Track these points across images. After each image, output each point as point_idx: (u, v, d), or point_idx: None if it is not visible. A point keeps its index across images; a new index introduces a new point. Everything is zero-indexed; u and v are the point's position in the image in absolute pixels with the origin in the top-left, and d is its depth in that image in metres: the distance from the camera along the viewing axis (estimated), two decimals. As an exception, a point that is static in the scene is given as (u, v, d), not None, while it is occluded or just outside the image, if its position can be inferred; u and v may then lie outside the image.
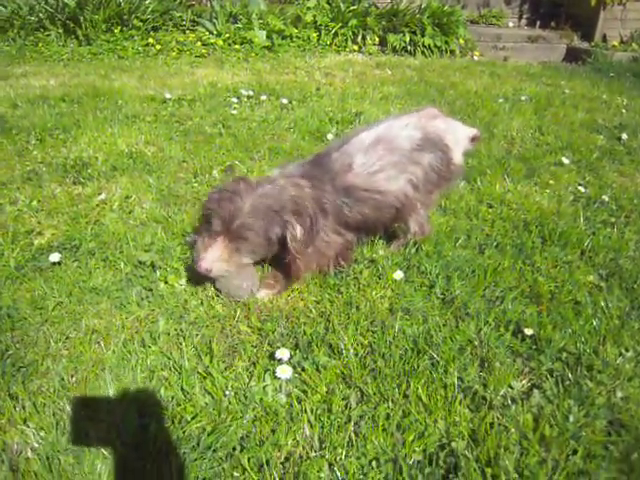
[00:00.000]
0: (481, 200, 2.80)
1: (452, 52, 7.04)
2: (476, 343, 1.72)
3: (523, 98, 5.07)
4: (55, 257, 2.02)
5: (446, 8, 7.11)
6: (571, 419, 1.42)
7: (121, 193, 2.64)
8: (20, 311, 1.75)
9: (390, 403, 1.47)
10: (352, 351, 1.66)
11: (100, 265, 2.04)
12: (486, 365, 1.63)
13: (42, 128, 3.46)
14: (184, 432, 1.36)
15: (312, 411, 1.44)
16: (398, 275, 2.07)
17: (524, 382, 1.58)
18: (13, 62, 5.43)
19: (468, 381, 1.55)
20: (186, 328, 1.73)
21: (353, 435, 1.39)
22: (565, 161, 3.42)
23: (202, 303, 1.87)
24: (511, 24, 9.16)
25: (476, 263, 2.17)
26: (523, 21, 9.41)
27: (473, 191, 2.91)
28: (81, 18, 6.06)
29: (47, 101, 4.08)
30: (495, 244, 2.35)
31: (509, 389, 1.54)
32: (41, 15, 6.07)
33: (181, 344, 1.66)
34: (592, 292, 2.04)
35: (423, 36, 6.84)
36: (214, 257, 1.74)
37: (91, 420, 1.37)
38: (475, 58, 7.16)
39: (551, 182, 3.10)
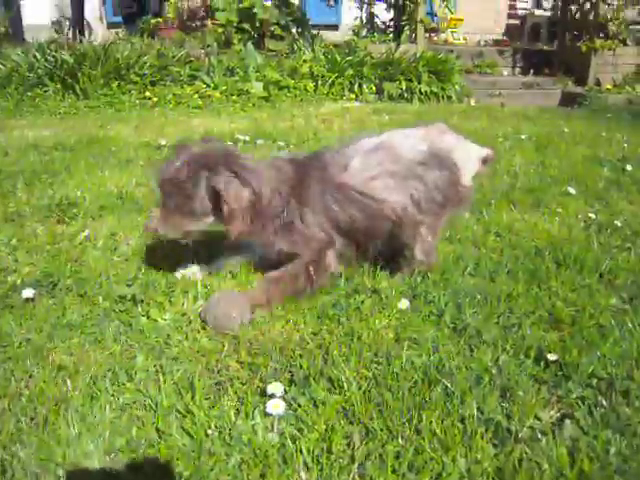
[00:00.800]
0: (488, 230, 2.64)
1: (449, 98, 7.06)
2: (494, 371, 1.52)
3: (523, 137, 5.01)
4: (28, 293, 1.85)
5: (441, 56, 7.19)
6: (612, 451, 1.21)
7: (107, 231, 2.49)
8: (-19, 350, 1.57)
9: (400, 440, 1.27)
10: (354, 384, 1.46)
11: (76, 301, 1.87)
12: (508, 395, 1.43)
13: (31, 173, 3.36)
14: (156, 478, 1.15)
15: (309, 451, 1.24)
16: (403, 304, 1.89)
17: (552, 412, 1.37)
18: (9, 116, 5.42)
19: (489, 412, 1.35)
20: (167, 364, 1.54)
21: (357, 478, 1.18)
22: (572, 191, 3.29)
23: (187, 337, 1.69)
24: (505, 73, 9.29)
25: (487, 290, 1.99)
26: (517, 70, 9.54)
27: (479, 221, 2.76)
28: (79, 74, 6.10)
29: (39, 149, 4.01)
30: (506, 271, 2.18)
31: (536, 421, 1.34)
32: (40, 71, 6.12)
33: (159, 381, 1.46)
34: (616, 315, 1.85)
35: (419, 83, 6.88)
36: (157, 217, 1.82)
37: (45, 468, 1.17)
38: (472, 103, 7.17)
39: (559, 210, 2.96)
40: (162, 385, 1.43)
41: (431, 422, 1.31)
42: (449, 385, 1.44)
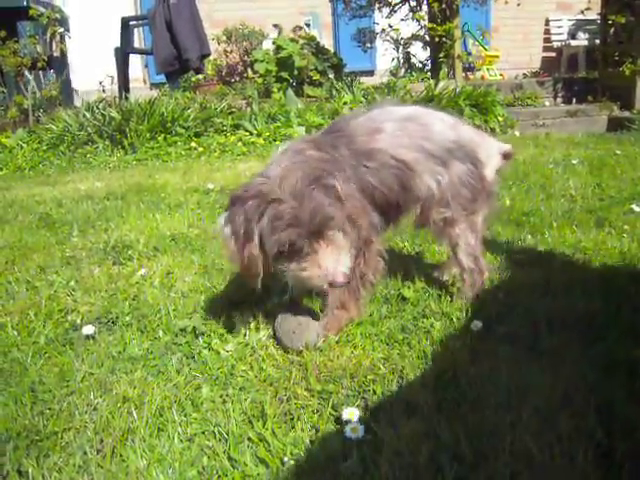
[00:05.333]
0: (553, 250, 2.52)
1: (492, 130, 6.97)
2: (585, 389, 1.39)
3: (574, 162, 4.86)
4: (89, 330, 1.83)
5: (481, 89, 7.16)
6: None
7: (162, 269, 2.48)
8: (46, 384, 1.53)
9: (493, 462, 1.15)
10: (434, 408, 1.35)
11: (137, 335, 1.83)
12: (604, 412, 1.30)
13: (85, 220, 3.42)
14: (233, 510, 1.07)
15: (395, 478, 1.13)
16: (476, 325, 1.78)
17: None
18: (62, 173, 5.61)
19: (587, 429, 1.22)
20: (233, 393, 1.47)
21: (451, 506, 1.07)
22: (636, 209, 3.13)
23: (252, 367, 1.62)
24: (547, 103, 9.13)
25: (562, 309, 1.87)
26: (558, 100, 9.38)
27: (542, 242, 2.64)
28: (127, 129, 6.30)
29: (91, 199, 4.10)
30: (580, 289, 2.04)
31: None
32: (90, 130, 6.34)
33: (228, 410, 1.39)
34: None
35: (462, 117, 6.83)
36: (334, 261, 1.46)
37: (118, 499, 1.10)
38: (516, 134, 7.07)
39: (626, 227, 2.81)
40: (231, 414, 1.36)
41: (526, 442, 1.19)
42: (538, 404, 1.32)
